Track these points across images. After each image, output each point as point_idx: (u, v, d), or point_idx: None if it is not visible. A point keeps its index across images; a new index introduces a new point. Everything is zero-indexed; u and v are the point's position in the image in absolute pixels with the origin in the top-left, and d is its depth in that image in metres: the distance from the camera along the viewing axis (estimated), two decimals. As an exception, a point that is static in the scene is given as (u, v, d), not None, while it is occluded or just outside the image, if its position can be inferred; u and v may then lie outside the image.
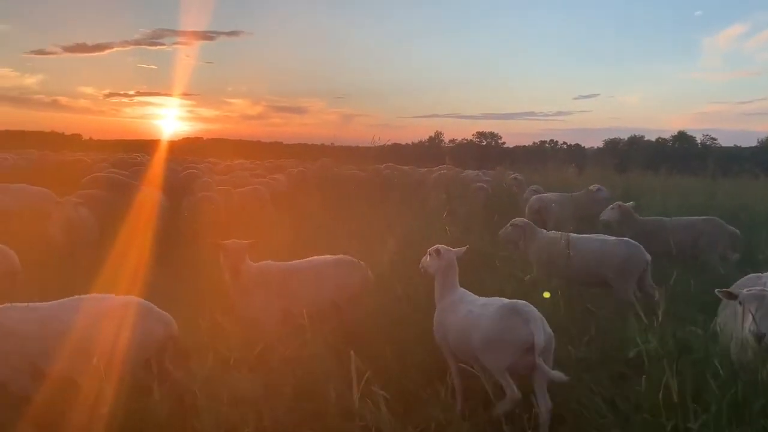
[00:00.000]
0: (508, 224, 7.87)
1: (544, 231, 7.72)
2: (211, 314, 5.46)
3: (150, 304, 4.62)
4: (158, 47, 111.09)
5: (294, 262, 6.06)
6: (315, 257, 6.12)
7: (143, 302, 4.58)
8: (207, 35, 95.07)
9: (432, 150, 56.80)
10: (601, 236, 7.37)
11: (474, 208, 11.89)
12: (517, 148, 63.57)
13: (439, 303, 4.91)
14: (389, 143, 21.39)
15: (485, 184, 15.29)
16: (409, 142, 64.17)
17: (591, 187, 11.92)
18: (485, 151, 61.72)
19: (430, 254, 5.05)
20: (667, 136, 58.00)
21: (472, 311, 4.49)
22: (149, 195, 10.62)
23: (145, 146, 37.62)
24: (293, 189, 15.27)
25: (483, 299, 4.67)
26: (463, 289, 4.91)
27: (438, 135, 71.09)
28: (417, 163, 32.33)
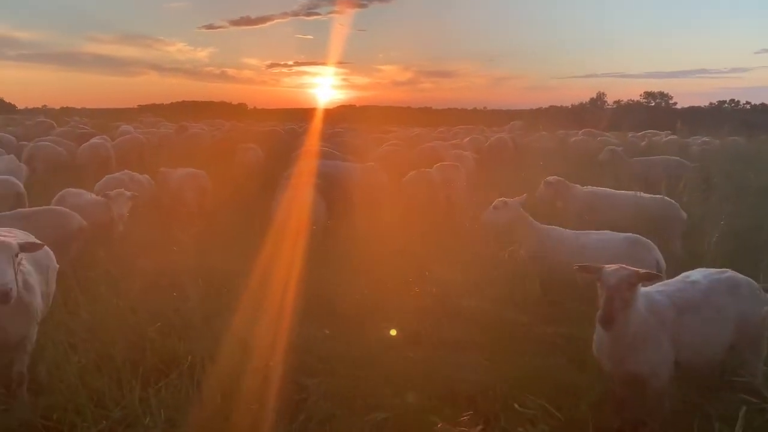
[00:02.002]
0: (542, 183, 8.34)
1: (579, 186, 8.17)
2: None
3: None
4: (314, 17, 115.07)
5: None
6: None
7: None
8: (360, 3, 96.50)
9: (594, 112, 53.76)
10: (638, 193, 7.87)
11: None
12: (690, 109, 58.51)
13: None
14: (546, 106, 19.94)
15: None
16: (568, 105, 61.55)
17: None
18: (653, 112, 57.38)
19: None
20: None
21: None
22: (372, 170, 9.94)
23: (303, 114, 38.69)
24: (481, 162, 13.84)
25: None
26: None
27: (600, 96, 67.71)
28: (579, 126, 30.00)
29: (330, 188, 8.81)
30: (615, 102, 66.08)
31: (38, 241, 4.87)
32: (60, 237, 6.26)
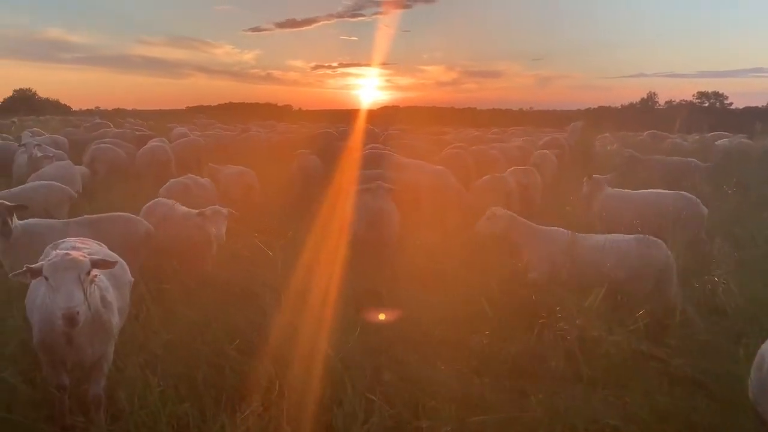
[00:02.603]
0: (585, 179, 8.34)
1: (608, 188, 8.13)
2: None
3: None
4: (359, 18, 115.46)
5: None
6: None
7: None
8: (405, 3, 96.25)
9: (645, 112, 52.17)
10: (658, 190, 7.99)
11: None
12: (747, 109, 55.96)
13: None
14: (594, 107, 19.20)
15: None
16: (617, 105, 59.91)
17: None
18: (707, 113, 55.17)
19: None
20: None
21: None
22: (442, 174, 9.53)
23: (347, 116, 38.52)
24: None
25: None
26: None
27: (651, 96, 65.59)
28: (629, 127, 28.78)
29: (399, 194, 8.36)
30: (666, 102, 63.78)
31: (112, 256, 4.54)
32: (128, 244, 5.96)
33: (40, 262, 3.74)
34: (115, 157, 12.71)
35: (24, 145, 10.97)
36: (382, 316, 5.54)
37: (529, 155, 13.51)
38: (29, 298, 4.37)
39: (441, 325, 5.33)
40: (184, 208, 7.18)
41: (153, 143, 13.44)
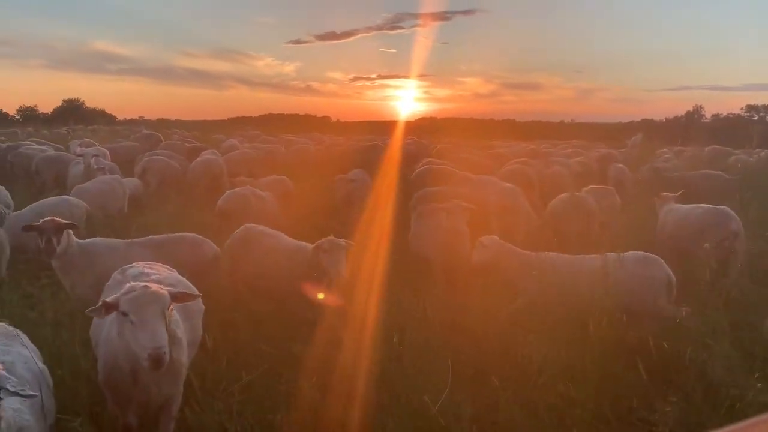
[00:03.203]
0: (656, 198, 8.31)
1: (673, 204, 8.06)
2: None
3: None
4: (398, 31, 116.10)
5: None
6: None
7: None
8: (444, 16, 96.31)
9: (691, 126, 50.66)
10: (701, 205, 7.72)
11: None
12: None
13: None
14: (638, 120, 18.54)
15: None
16: (662, 118, 58.56)
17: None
18: (757, 127, 53.11)
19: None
20: None
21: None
22: (511, 193, 9.04)
23: (385, 127, 38.32)
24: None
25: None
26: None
27: (698, 109, 63.82)
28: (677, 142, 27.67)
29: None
30: (713, 116, 61.82)
31: (191, 287, 4.14)
32: (195, 268, 5.56)
33: (116, 296, 3.33)
34: (167, 168, 12.53)
35: (81, 155, 10.86)
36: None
37: (592, 171, 12.83)
38: (94, 331, 4.00)
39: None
40: (290, 240, 6.28)
41: (206, 156, 13.22)
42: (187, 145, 17.23)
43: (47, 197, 8.81)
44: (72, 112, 58.29)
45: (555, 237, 8.28)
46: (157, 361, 3.05)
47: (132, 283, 3.41)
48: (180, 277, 4.44)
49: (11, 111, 65.99)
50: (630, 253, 5.53)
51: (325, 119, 70.75)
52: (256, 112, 77.28)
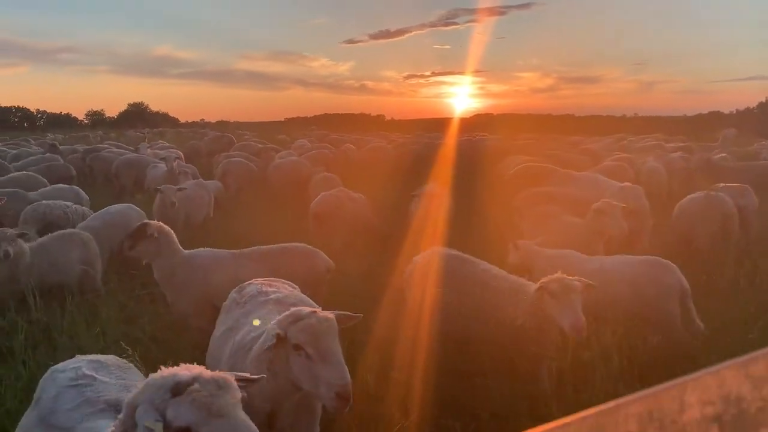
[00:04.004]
0: None
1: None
2: None
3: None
4: (452, 27, 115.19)
5: None
6: None
7: None
8: (500, 10, 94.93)
9: (763, 118, 47.53)
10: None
11: None
12: None
13: None
14: (705, 112, 17.23)
15: None
16: (732, 110, 55.50)
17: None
18: None
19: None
20: None
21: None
22: (633, 192, 8.15)
23: (439, 124, 37.75)
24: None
25: None
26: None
27: None
28: None
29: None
30: (789, 106, 58.02)
31: (313, 304, 3.56)
32: (307, 281, 5.00)
33: (279, 325, 2.76)
34: (246, 170, 12.20)
35: (164, 159, 10.61)
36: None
37: (692, 167, 11.73)
38: (212, 355, 3.47)
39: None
40: (499, 271, 4.91)
41: (289, 157, 12.84)
42: (259, 146, 16.95)
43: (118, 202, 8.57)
44: (137, 116, 60.05)
45: (683, 240, 7.45)
46: (345, 399, 2.55)
47: (293, 310, 2.84)
48: (302, 295, 3.87)
49: (80, 115, 68.84)
50: (642, 257, 5.38)
51: (380, 118, 70.46)
52: (311, 112, 78.00)
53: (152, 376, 1.95)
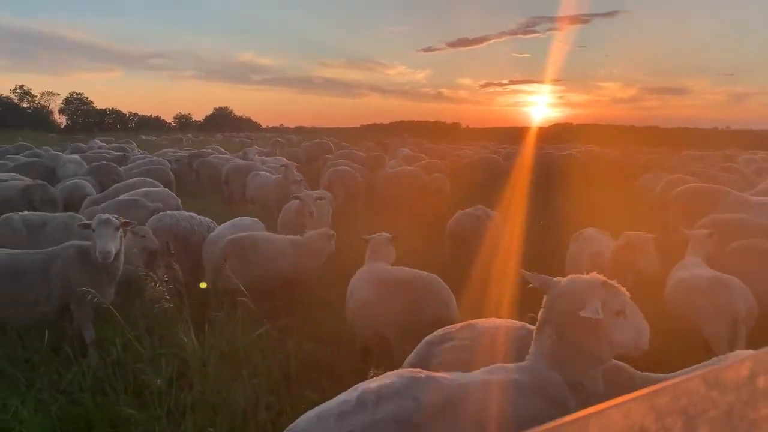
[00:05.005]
0: None
1: None
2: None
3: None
4: (532, 35, 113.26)
5: None
6: None
7: None
8: (582, 18, 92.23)
9: None
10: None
11: None
12: None
13: None
14: None
15: None
16: None
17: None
18: None
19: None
20: None
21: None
22: None
23: (515, 133, 36.79)
24: None
25: None
26: None
27: None
28: None
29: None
30: None
31: None
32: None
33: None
34: (352, 179, 11.87)
35: (284, 166, 10.38)
36: None
37: None
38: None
39: None
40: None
41: (404, 167, 12.44)
42: (362, 154, 16.63)
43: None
44: (222, 120, 62.02)
45: None
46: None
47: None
48: None
49: (168, 118, 72.07)
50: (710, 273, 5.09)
51: (455, 126, 69.60)
52: (387, 119, 78.18)
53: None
